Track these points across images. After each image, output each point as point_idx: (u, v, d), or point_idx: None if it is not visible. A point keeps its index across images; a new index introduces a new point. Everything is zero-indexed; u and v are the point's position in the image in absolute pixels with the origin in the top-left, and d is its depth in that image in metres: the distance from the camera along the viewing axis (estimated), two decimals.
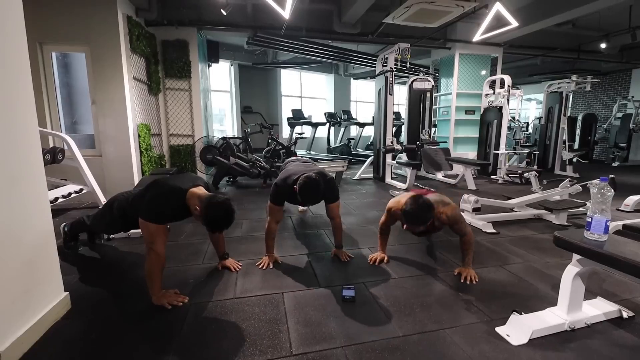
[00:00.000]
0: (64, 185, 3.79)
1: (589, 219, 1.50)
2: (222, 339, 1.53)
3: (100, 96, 4.16)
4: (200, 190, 1.86)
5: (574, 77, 6.66)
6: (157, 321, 1.66)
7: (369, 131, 10.06)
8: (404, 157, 5.96)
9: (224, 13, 4.51)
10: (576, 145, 8.89)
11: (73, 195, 3.73)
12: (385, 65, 5.56)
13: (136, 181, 4.23)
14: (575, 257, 1.57)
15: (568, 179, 3.88)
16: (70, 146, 3.82)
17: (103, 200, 3.97)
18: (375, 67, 6.32)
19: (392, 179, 5.71)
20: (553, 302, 1.70)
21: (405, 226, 2.00)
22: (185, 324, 1.64)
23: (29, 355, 1.42)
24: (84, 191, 3.90)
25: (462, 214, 2.25)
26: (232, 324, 1.64)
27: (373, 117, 7.12)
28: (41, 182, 1.66)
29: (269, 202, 2.32)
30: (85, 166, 3.90)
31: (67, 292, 1.79)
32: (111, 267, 2.34)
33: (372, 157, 6.25)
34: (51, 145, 4.05)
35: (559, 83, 6.93)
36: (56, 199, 3.47)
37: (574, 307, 1.61)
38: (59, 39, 4.03)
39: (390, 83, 5.48)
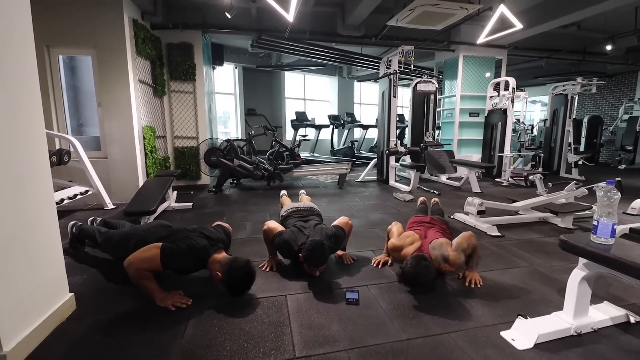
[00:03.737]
0: (70, 187, 3.82)
1: (595, 223, 1.49)
2: (225, 340, 1.53)
3: (106, 98, 4.20)
4: (221, 254, 1.90)
5: (579, 79, 6.61)
6: (161, 322, 1.67)
7: (373, 133, 10.06)
8: (407, 160, 5.95)
9: (229, 16, 4.54)
10: (582, 148, 8.81)
11: (79, 197, 3.77)
12: (389, 68, 5.57)
13: (141, 183, 4.26)
14: (582, 260, 1.55)
15: (574, 182, 3.85)
16: (76, 148, 3.86)
17: (108, 201, 4.01)
18: (378, 69, 6.32)
19: (395, 181, 5.69)
20: (559, 307, 1.68)
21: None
22: (189, 326, 1.64)
23: (33, 356, 1.43)
24: (89, 192, 3.94)
25: (472, 238, 2.07)
26: (236, 326, 1.64)
27: (377, 120, 7.12)
28: (47, 183, 1.68)
29: (273, 240, 2.26)
30: (90, 168, 3.94)
31: (72, 293, 1.80)
32: (116, 266, 2.35)
33: (376, 159, 6.24)
34: (57, 147, 4.09)
35: (564, 85, 6.89)
36: (62, 200, 3.51)
37: (580, 311, 1.59)
38: (66, 42, 4.08)
39: (394, 85, 5.48)
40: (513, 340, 1.52)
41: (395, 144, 5.60)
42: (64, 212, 3.66)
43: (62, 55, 4.24)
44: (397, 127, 6.47)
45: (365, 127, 9.81)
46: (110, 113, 4.23)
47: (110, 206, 4.00)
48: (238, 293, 1.85)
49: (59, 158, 3.54)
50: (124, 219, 2.89)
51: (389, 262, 2.36)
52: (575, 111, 8.93)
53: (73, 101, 4.47)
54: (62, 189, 3.68)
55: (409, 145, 6.32)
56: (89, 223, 2.45)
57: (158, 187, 3.59)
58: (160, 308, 1.78)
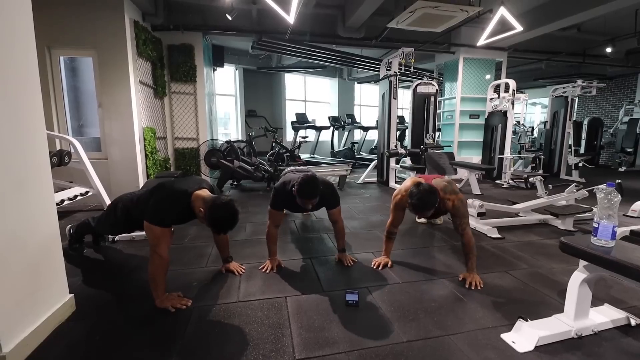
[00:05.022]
0: (70, 188, 3.82)
1: (595, 225, 1.49)
2: (225, 342, 1.53)
3: (107, 100, 4.21)
4: (205, 192, 1.87)
5: (579, 82, 6.62)
6: (161, 324, 1.67)
7: (373, 135, 10.06)
8: (407, 161, 5.95)
9: (229, 18, 4.55)
10: (582, 150, 8.80)
11: (79, 198, 3.76)
12: (389, 70, 5.57)
13: (141, 184, 4.26)
14: (582, 263, 1.55)
15: (574, 184, 3.84)
16: (76, 149, 3.86)
17: (108, 202, 4.00)
18: (379, 71, 6.33)
19: (396, 183, 5.69)
20: (559, 309, 1.68)
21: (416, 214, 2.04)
22: (189, 327, 1.64)
23: (33, 357, 1.43)
24: (89, 193, 3.94)
25: (468, 213, 2.23)
26: (235, 328, 1.63)
27: (377, 121, 7.12)
28: (48, 184, 1.68)
29: (269, 207, 2.32)
30: (91, 169, 3.93)
31: (72, 294, 1.80)
32: (116, 269, 2.35)
33: (376, 161, 6.25)
34: (58, 147, 4.09)
35: (564, 87, 6.89)
36: (62, 201, 3.50)
37: (580, 313, 1.58)
38: (67, 43, 4.08)
39: (394, 87, 5.48)
40: (513, 342, 1.52)
41: (396, 146, 5.60)
42: (64, 213, 3.66)
43: (63, 57, 4.24)
44: (398, 129, 6.46)
45: (366, 129, 9.81)
46: (111, 114, 4.24)
47: None
48: (220, 230, 1.81)
49: (60, 159, 3.53)
50: None
51: (389, 263, 2.36)
52: (575, 113, 8.91)
53: (74, 102, 4.48)
54: (62, 190, 3.67)
55: (409, 147, 6.31)
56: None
57: None
58: (160, 309, 1.77)
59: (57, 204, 3.29)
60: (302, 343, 1.52)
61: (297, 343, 1.52)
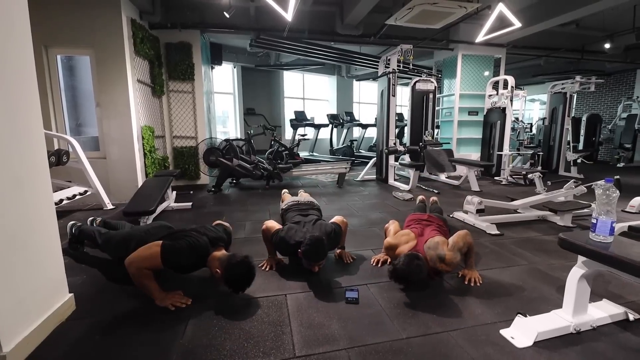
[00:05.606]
0: (69, 187, 3.82)
1: (594, 221, 1.49)
2: (225, 340, 1.53)
3: (105, 99, 4.19)
4: (220, 251, 1.90)
5: (577, 78, 6.63)
6: (161, 322, 1.67)
7: (372, 132, 10.06)
8: (406, 159, 5.96)
9: (227, 15, 4.53)
10: (581, 146, 8.83)
11: (78, 197, 3.76)
12: (388, 67, 5.57)
13: (140, 183, 4.26)
14: (581, 259, 1.55)
15: (573, 180, 3.85)
16: (74, 148, 3.86)
17: (107, 201, 4.01)
18: (377, 68, 6.32)
19: (395, 180, 5.70)
20: (558, 305, 1.69)
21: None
22: (189, 325, 1.64)
23: (33, 357, 1.43)
24: (88, 193, 3.94)
25: (468, 236, 2.06)
26: (236, 326, 1.64)
27: (376, 119, 7.12)
28: (46, 184, 1.67)
29: (269, 223, 2.31)
30: (89, 168, 3.93)
31: (72, 294, 1.80)
32: (117, 267, 2.34)
33: (375, 158, 6.25)
34: (56, 147, 4.08)
35: (562, 84, 6.90)
36: (61, 200, 3.50)
37: (579, 309, 1.59)
38: (64, 42, 4.07)
39: (392, 84, 5.48)
40: (512, 338, 1.53)
41: (395, 143, 5.60)
42: (63, 213, 3.66)
43: (60, 56, 4.23)
44: (396, 126, 6.46)
45: (364, 126, 9.81)
46: (109, 113, 4.22)
47: (110, 206, 4.00)
48: (238, 289, 1.84)
49: (58, 158, 3.53)
50: (123, 219, 2.88)
51: (388, 260, 2.36)
52: (574, 109, 8.94)
53: (71, 101, 4.46)
54: (61, 190, 3.68)
55: (408, 144, 6.32)
56: (88, 223, 2.44)
57: (157, 187, 3.58)
58: (160, 308, 1.78)
59: (56, 204, 3.29)
60: (302, 340, 1.53)
61: (297, 340, 1.53)
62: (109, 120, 4.24)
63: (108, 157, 4.31)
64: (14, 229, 1.43)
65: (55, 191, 3.54)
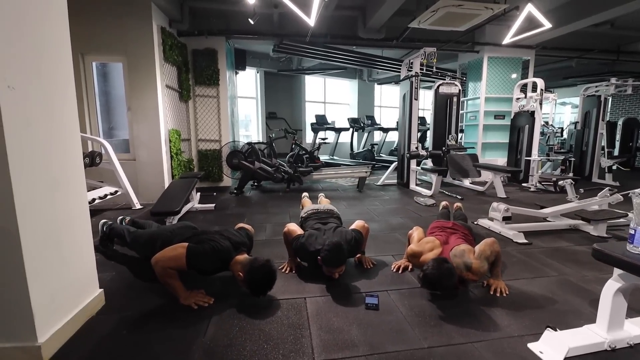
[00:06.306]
0: (101, 187, 4.00)
1: (632, 231, 1.40)
2: (245, 340, 1.55)
3: (135, 103, 4.38)
4: (242, 256, 1.95)
5: (613, 80, 6.29)
6: (184, 320, 1.71)
7: (393, 136, 9.95)
8: (429, 163, 5.84)
9: (252, 22, 4.64)
10: (616, 152, 8.34)
11: (109, 197, 3.94)
12: (411, 70, 5.50)
13: (166, 184, 4.40)
14: (617, 271, 1.47)
15: (607, 188, 3.65)
16: (107, 150, 4.05)
17: (136, 201, 4.17)
18: (400, 72, 6.26)
19: (416, 185, 5.60)
20: (591, 319, 1.60)
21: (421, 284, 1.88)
22: (210, 324, 1.67)
23: (65, 348, 1.50)
24: (118, 193, 4.12)
25: (495, 245, 1.99)
26: (256, 327, 1.66)
27: (397, 122, 7.04)
28: (81, 184, 1.77)
29: (290, 227, 2.32)
30: (120, 169, 4.11)
31: (102, 289, 1.88)
32: (144, 264, 2.42)
33: (396, 162, 6.17)
34: (90, 149, 4.30)
35: (596, 86, 6.56)
36: (93, 200, 3.68)
37: (614, 324, 1.50)
38: (99, 49, 4.29)
39: (415, 88, 5.40)
40: (541, 352, 1.46)
41: (417, 147, 5.51)
42: (94, 211, 3.84)
43: (95, 62, 4.46)
44: (419, 130, 6.35)
45: (386, 130, 9.72)
46: (139, 117, 4.41)
47: (138, 206, 4.16)
48: (260, 292, 1.86)
49: (92, 160, 3.72)
50: (150, 218, 2.99)
51: (410, 267, 2.32)
52: (608, 113, 8.46)
53: (104, 106, 4.70)
54: (93, 189, 3.86)
55: (430, 149, 6.20)
56: (118, 222, 2.55)
57: (182, 189, 3.70)
58: (184, 306, 1.83)
59: (89, 203, 3.45)
60: (322, 344, 1.52)
61: (316, 344, 1.52)
62: (138, 124, 4.42)
63: (137, 159, 4.49)
64: (50, 227, 1.52)
65: (89, 191, 3.72)
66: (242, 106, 9.29)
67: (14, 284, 1.35)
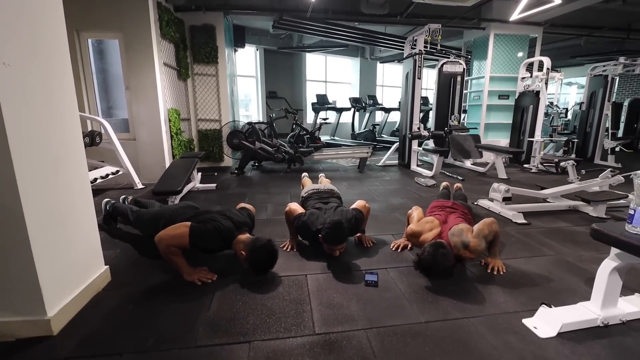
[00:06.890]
0: (102, 167, 4.01)
1: (631, 212, 1.41)
2: (248, 315, 1.60)
3: (133, 82, 4.31)
4: (244, 235, 1.97)
5: (621, 59, 6.13)
6: (189, 295, 1.76)
7: (395, 117, 9.84)
8: (430, 144, 5.80)
9: None
10: (620, 134, 8.26)
11: (110, 176, 3.96)
12: (414, 48, 5.36)
13: (167, 164, 4.40)
14: (614, 251, 1.49)
15: (609, 169, 3.64)
16: (106, 130, 4.03)
17: (137, 181, 4.19)
18: (403, 49, 6.11)
19: (417, 166, 5.59)
20: (586, 297, 1.64)
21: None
22: (214, 299, 1.72)
23: (73, 322, 1.55)
24: (120, 172, 4.13)
25: (494, 224, 2.00)
26: (258, 302, 1.70)
27: (399, 102, 6.94)
28: (82, 163, 1.77)
29: (291, 206, 2.33)
30: (121, 149, 4.11)
31: (107, 266, 1.92)
32: (148, 242, 2.46)
33: (398, 143, 6.13)
34: (89, 129, 4.27)
35: (604, 65, 6.41)
36: (95, 179, 3.70)
37: (608, 302, 1.54)
38: (95, 25, 4.18)
39: (418, 66, 5.29)
40: (535, 328, 1.50)
41: (418, 128, 5.47)
42: (97, 191, 3.85)
43: (90, 39, 4.36)
44: (421, 110, 6.28)
45: (387, 110, 9.60)
46: (138, 96, 4.35)
47: (140, 186, 4.18)
48: (261, 271, 1.91)
49: (92, 139, 3.70)
50: (152, 198, 3.01)
51: (409, 246, 2.35)
52: (615, 94, 8.31)
53: (102, 84, 4.63)
54: (95, 169, 3.87)
55: (432, 129, 6.15)
56: (120, 201, 2.57)
57: (184, 169, 3.70)
58: (188, 282, 1.87)
59: (91, 182, 3.47)
60: (322, 319, 1.57)
61: (317, 318, 1.57)
62: (137, 103, 4.37)
63: (137, 139, 4.47)
64: (55, 205, 1.53)
65: (90, 170, 3.73)
66: (242, 85, 9.14)
67: (22, 261, 1.38)
